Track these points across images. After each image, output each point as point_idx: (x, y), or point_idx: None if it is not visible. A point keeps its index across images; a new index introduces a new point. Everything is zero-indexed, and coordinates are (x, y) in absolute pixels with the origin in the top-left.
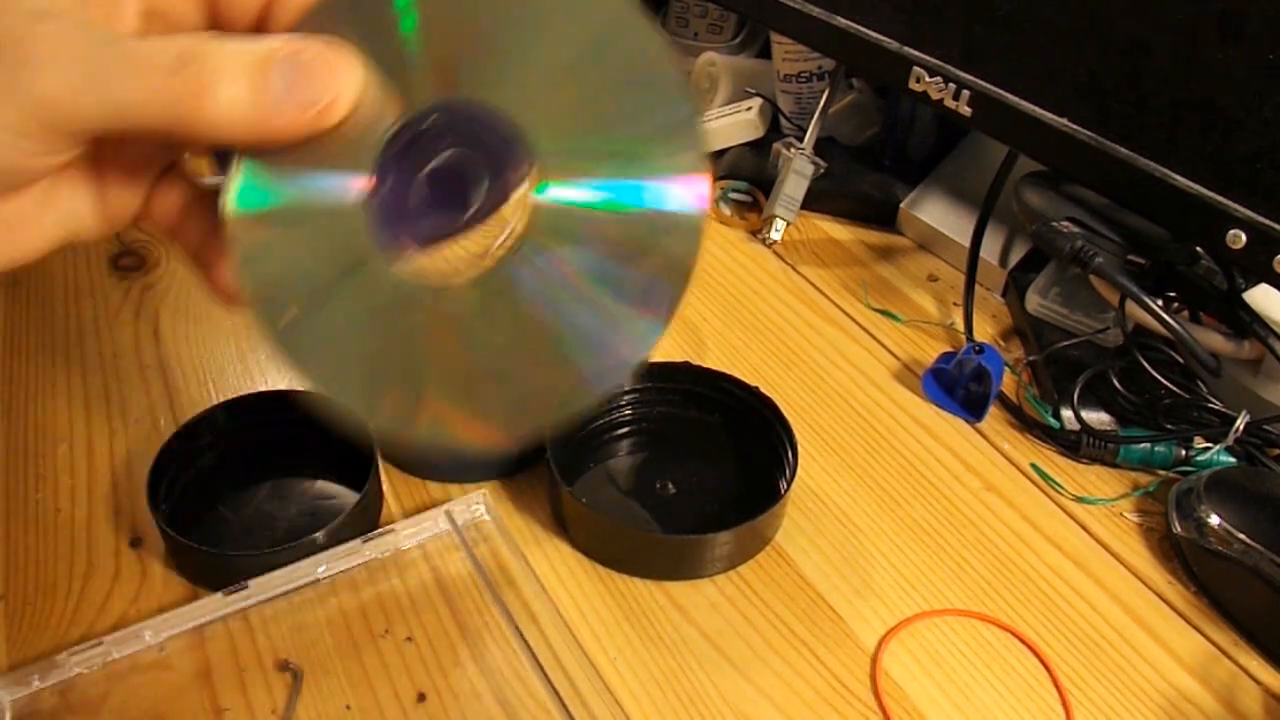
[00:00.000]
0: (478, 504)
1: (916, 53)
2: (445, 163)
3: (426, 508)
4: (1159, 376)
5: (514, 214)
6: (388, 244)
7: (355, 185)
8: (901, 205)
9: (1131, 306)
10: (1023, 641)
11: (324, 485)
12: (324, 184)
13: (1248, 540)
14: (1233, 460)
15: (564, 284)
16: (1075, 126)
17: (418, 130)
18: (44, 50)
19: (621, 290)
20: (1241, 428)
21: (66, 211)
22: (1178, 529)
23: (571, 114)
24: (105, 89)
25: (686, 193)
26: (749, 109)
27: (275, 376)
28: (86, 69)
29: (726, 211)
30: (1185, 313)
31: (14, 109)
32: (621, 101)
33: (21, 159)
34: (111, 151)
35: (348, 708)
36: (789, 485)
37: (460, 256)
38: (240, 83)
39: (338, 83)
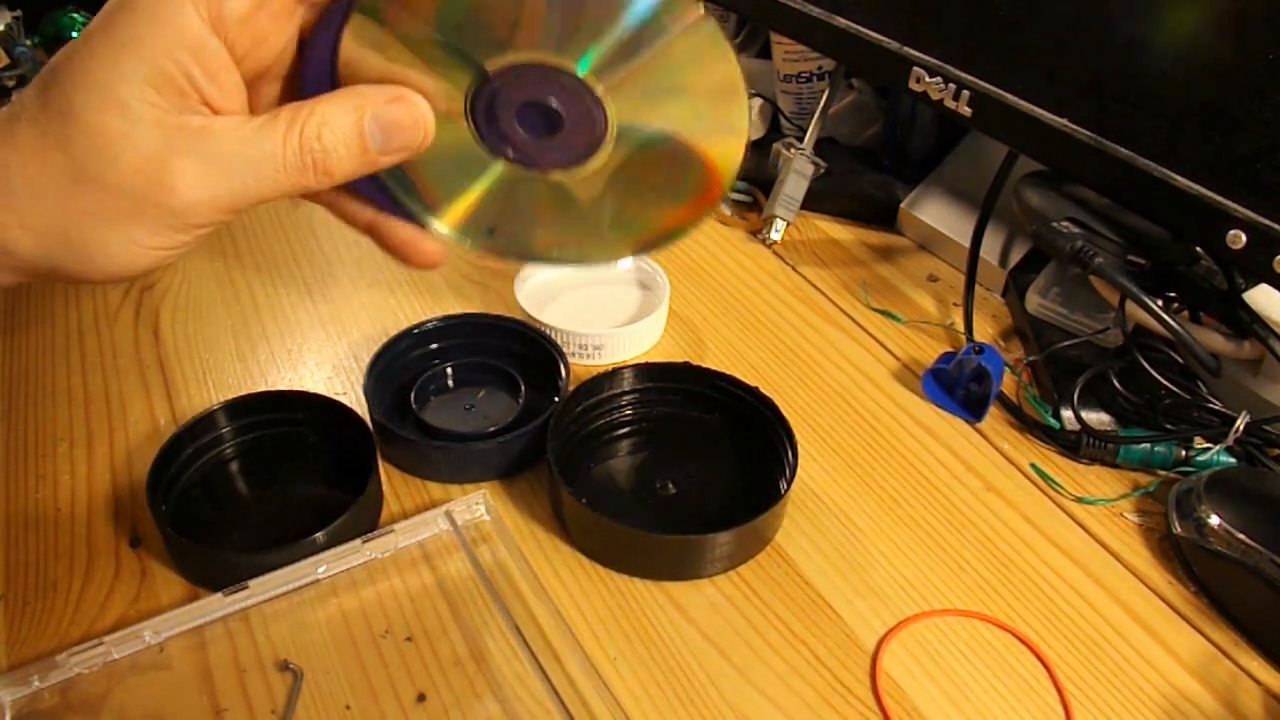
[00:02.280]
0: (478, 504)
1: (916, 53)
2: (529, 104)
3: (426, 508)
4: (1159, 376)
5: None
6: (511, 160)
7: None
8: (901, 205)
9: (1131, 306)
10: (1023, 641)
11: (324, 485)
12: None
13: (1248, 540)
14: (1233, 460)
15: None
16: (1075, 126)
17: (497, 87)
18: (190, 181)
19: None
20: (1241, 428)
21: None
22: (1178, 529)
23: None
24: (250, 190)
25: (721, 162)
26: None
27: (275, 376)
28: (227, 184)
29: (726, 211)
30: (1185, 313)
31: (183, 230)
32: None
33: (184, 251)
34: None
35: (348, 708)
36: (789, 485)
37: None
38: (350, 148)
39: (419, 127)
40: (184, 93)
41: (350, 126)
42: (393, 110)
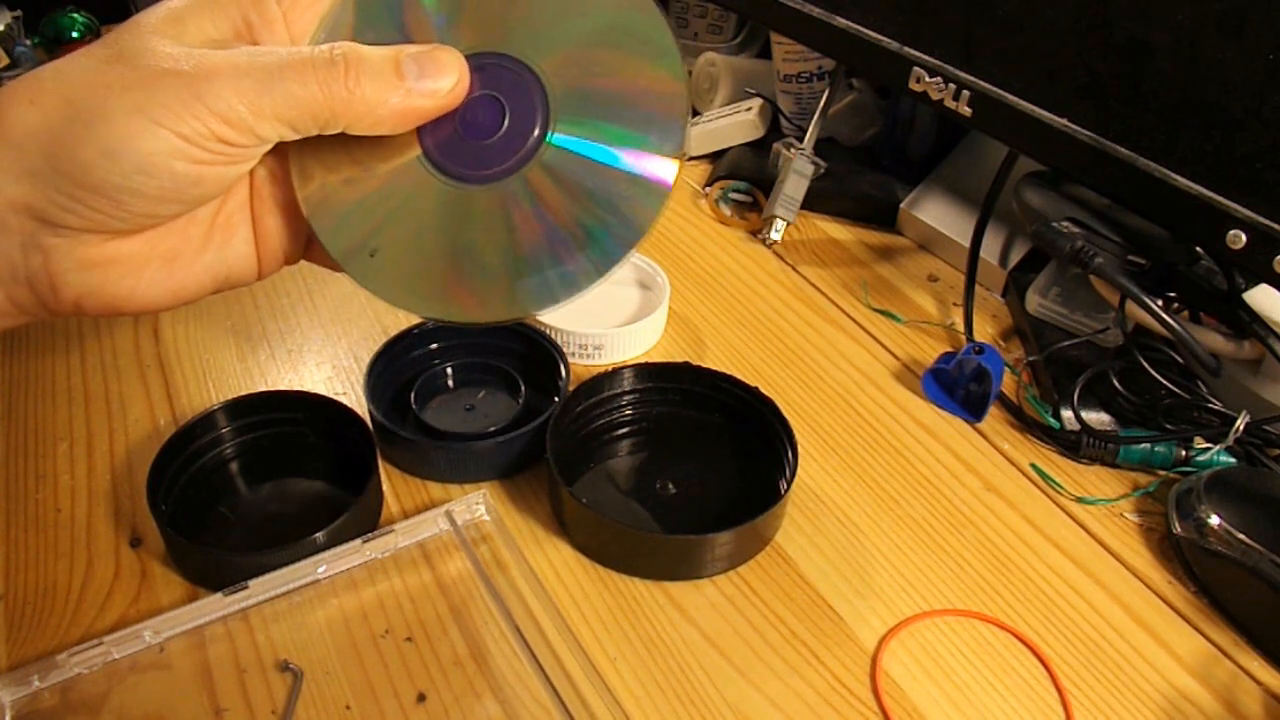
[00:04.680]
0: (478, 504)
1: (916, 53)
2: (475, 102)
3: (426, 508)
4: (1159, 376)
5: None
6: (440, 170)
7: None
8: (901, 205)
9: (1131, 306)
10: (1023, 641)
11: (324, 485)
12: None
13: (1248, 540)
14: (1233, 460)
15: (542, 212)
16: (1075, 126)
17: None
18: (221, 66)
19: (580, 234)
20: (1241, 428)
21: (224, 253)
22: (1178, 529)
23: (582, 80)
24: (277, 88)
25: (658, 176)
26: (749, 109)
27: (275, 376)
28: (258, 75)
29: (726, 211)
30: (1185, 313)
31: (203, 116)
32: (626, 80)
33: (209, 166)
34: (269, 204)
35: (348, 708)
36: (789, 485)
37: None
38: (384, 70)
39: (454, 68)
40: (239, 31)
41: (386, 51)
42: (427, 48)
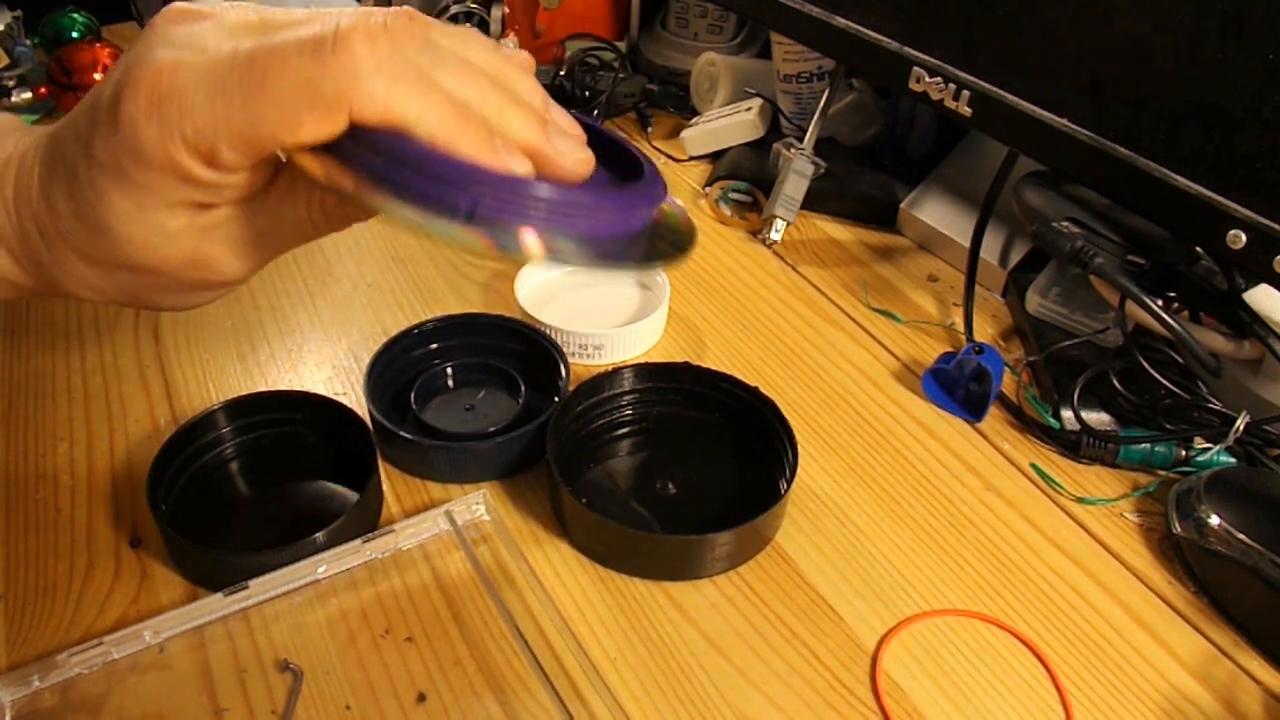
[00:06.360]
0: (478, 504)
1: (916, 53)
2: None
3: (426, 508)
4: (1159, 376)
5: None
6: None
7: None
8: (901, 205)
9: (1131, 306)
10: (1023, 641)
11: (324, 485)
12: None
13: (1248, 540)
14: (1233, 460)
15: None
16: (1075, 126)
17: None
18: (221, 260)
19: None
20: (1241, 428)
21: (295, 220)
22: (1178, 529)
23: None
24: (279, 248)
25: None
26: (749, 109)
27: (275, 376)
28: (258, 251)
29: (726, 211)
30: (1185, 313)
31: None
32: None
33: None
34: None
35: (348, 708)
36: (789, 485)
37: None
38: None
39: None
40: (201, 204)
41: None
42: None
